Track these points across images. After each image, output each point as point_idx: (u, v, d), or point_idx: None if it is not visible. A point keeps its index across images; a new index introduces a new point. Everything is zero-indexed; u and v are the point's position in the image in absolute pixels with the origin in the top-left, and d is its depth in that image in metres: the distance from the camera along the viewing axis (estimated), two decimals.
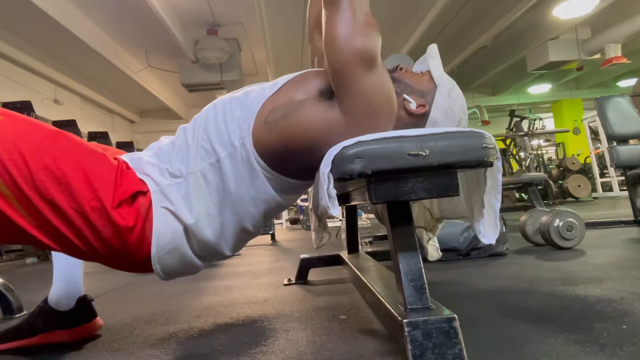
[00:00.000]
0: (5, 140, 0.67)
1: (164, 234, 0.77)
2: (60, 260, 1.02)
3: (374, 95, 0.78)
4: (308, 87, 0.83)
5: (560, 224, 1.83)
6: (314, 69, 0.93)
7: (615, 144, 2.44)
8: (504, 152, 7.46)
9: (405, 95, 0.88)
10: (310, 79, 0.85)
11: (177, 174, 0.81)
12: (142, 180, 0.79)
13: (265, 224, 0.93)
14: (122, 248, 0.75)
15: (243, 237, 0.88)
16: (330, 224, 4.60)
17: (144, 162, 0.83)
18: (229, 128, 0.82)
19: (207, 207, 0.80)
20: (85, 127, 5.55)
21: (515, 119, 7.46)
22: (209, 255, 0.86)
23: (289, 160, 0.82)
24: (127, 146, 4.62)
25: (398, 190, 0.70)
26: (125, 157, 0.85)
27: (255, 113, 0.82)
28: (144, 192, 0.78)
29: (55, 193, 0.69)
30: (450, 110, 0.90)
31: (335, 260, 1.61)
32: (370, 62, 0.76)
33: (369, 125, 0.78)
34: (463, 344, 0.61)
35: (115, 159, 0.80)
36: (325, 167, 0.69)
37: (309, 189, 1.00)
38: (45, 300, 1.01)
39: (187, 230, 0.79)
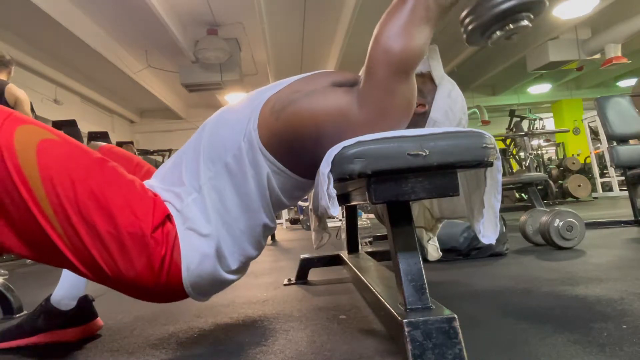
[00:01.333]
0: (59, 162, 0.69)
1: (193, 256, 0.77)
2: None
3: (394, 98, 0.76)
4: (318, 82, 0.82)
5: (560, 224, 1.83)
6: (325, 70, 0.92)
7: (615, 144, 2.44)
8: (504, 152, 7.45)
9: None
10: (321, 76, 0.85)
11: (191, 191, 0.81)
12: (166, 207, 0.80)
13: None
14: (152, 278, 0.74)
15: (266, 233, 0.88)
16: (330, 224, 4.60)
17: (158, 189, 0.83)
18: (233, 131, 0.81)
19: (222, 217, 0.80)
20: (85, 127, 5.56)
21: (515, 119, 7.46)
22: (241, 265, 0.85)
23: (296, 151, 0.80)
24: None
25: (398, 190, 0.70)
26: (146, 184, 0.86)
27: (259, 109, 0.81)
28: (170, 218, 0.78)
29: (95, 216, 0.70)
30: (450, 110, 0.90)
31: (335, 260, 1.61)
32: (400, 69, 0.74)
33: (380, 122, 0.77)
34: (463, 344, 0.61)
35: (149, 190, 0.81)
36: (325, 167, 0.69)
37: None
38: (48, 300, 1.01)
39: (213, 248, 0.79)
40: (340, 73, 0.86)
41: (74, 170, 0.70)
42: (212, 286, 0.83)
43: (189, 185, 0.81)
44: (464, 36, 0.86)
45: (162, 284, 0.76)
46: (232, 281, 0.86)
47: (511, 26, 0.81)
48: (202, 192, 0.80)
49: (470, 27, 0.82)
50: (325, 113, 0.77)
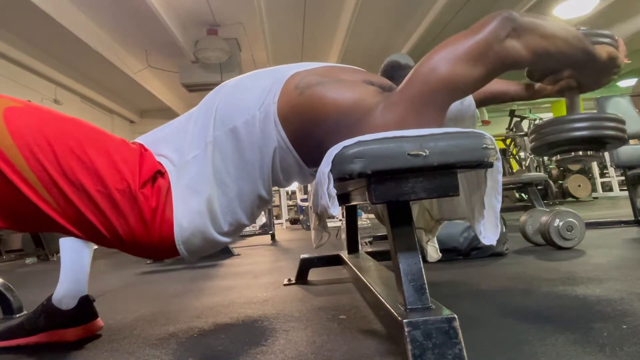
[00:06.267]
0: (31, 127, 0.67)
1: (185, 214, 0.76)
2: (68, 259, 1.02)
3: (416, 118, 0.73)
4: (349, 74, 0.81)
5: (560, 224, 1.83)
6: (357, 67, 0.91)
7: None
8: (504, 152, 7.44)
9: None
10: (352, 71, 0.84)
11: (196, 147, 0.80)
12: (159, 162, 0.79)
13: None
14: (145, 233, 0.74)
15: (259, 204, 0.87)
16: (330, 224, 4.60)
17: (158, 142, 0.83)
18: (250, 98, 0.81)
19: (221, 176, 0.80)
20: None
21: (515, 119, 7.46)
22: (232, 229, 0.85)
23: (307, 132, 0.79)
24: None
25: (398, 190, 0.70)
26: (140, 139, 0.85)
27: (283, 81, 0.80)
28: (162, 173, 0.78)
29: (82, 176, 0.68)
30: (460, 116, 0.91)
31: (335, 260, 1.61)
32: (436, 94, 0.70)
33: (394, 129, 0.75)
34: (463, 344, 0.61)
35: (133, 143, 0.81)
36: (325, 166, 0.69)
37: (309, 189, 1.00)
38: (49, 299, 1.01)
39: (205, 206, 0.78)
40: (376, 76, 0.85)
41: (49, 133, 0.68)
42: (203, 245, 0.82)
43: (195, 141, 0.81)
44: (532, 144, 0.84)
45: (155, 239, 0.75)
46: (224, 243, 0.85)
47: (580, 154, 0.77)
48: (207, 150, 0.80)
49: (540, 141, 0.78)
50: (349, 104, 0.75)
